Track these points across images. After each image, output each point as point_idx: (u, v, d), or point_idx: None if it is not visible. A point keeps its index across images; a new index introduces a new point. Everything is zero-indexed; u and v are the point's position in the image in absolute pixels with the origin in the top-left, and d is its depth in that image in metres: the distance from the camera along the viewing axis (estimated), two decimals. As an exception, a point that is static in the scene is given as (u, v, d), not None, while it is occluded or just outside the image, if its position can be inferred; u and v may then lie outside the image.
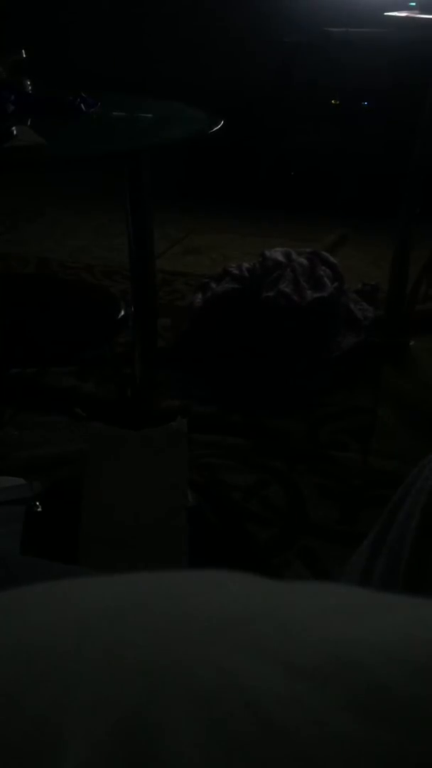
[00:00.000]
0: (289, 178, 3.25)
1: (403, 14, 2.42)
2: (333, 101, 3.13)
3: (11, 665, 0.19)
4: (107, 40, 3.35)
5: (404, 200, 1.88)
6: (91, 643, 0.19)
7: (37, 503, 1.18)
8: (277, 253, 2.00)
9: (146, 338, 1.42)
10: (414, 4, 2.62)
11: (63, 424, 1.60)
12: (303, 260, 1.98)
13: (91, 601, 0.22)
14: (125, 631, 0.19)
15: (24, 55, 1.42)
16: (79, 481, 1.18)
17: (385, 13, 2.40)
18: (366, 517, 1.33)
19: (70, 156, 1.20)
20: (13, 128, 1.14)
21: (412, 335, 2.02)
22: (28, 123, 1.24)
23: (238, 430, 1.60)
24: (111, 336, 1.40)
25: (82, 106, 1.34)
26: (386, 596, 0.23)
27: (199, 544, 1.14)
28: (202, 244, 2.80)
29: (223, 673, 0.17)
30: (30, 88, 1.38)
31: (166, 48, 3.29)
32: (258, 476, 1.45)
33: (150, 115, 1.35)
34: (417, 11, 2.65)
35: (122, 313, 1.36)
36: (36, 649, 0.19)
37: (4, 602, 0.22)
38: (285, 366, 1.80)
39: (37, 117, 1.30)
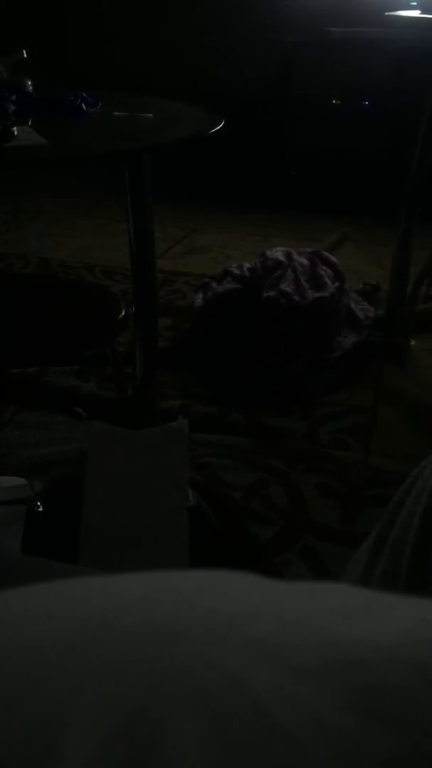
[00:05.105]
0: (290, 178, 3.26)
1: (403, 14, 2.41)
2: (333, 101, 3.13)
3: (13, 665, 0.19)
4: (108, 40, 3.35)
5: (405, 200, 1.88)
6: (92, 643, 0.19)
7: (38, 503, 1.18)
8: (278, 253, 2.00)
9: (147, 338, 1.42)
10: (414, 3, 2.62)
11: (63, 424, 1.60)
12: (304, 260, 1.98)
13: (92, 600, 0.22)
14: (126, 630, 0.19)
15: (24, 55, 1.42)
16: (80, 481, 1.18)
17: (386, 13, 2.40)
18: (366, 517, 1.33)
19: (70, 156, 1.20)
20: (14, 128, 1.13)
21: (412, 335, 2.02)
22: (29, 123, 1.24)
23: (238, 430, 1.60)
24: (111, 336, 1.40)
25: (83, 106, 1.34)
26: (387, 596, 0.23)
27: (200, 544, 1.14)
28: (203, 244, 2.81)
29: (224, 672, 0.17)
30: (30, 88, 1.38)
31: (166, 47, 3.29)
32: (258, 476, 1.45)
33: (150, 115, 1.35)
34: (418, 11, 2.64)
35: (123, 313, 1.36)
36: (37, 649, 0.19)
37: (5, 602, 0.22)
38: (286, 366, 1.80)
39: (37, 117, 1.30)
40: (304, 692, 0.17)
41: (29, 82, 1.37)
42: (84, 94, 1.36)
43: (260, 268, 1.98)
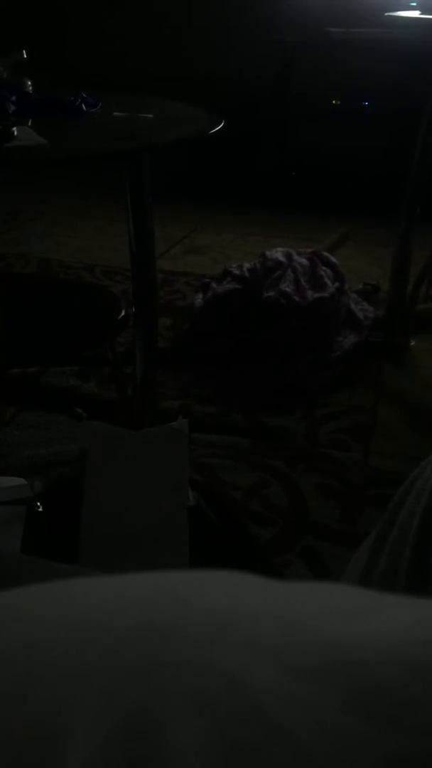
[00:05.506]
0: (290, 178, 3.26)
1: (403, 14, 2.41)
2: (333, 101, 3.13)
3: (13, 665, 0.19)
4: (108, 40, 3.35)
5: (405, 200, 1.88)
6: (92, 643, 0.19)
7: (38, 503, 1.18)
8: (277, 253, 2.00)
9: (147, 338, 1.42)
10: (414, 4, 2.62)
11: (63, 424, 1.60)
12: (303, 260, 1.99)
13: (92, 601, 0.22)
14: (126, 631, 0.19)
15: (24, 55, 1.42)
16: (80, 481, 1.18)
17: (386, 14, 2.40)
18: (366, 517, 1.33)
19: (70, 156, 1.20)
20: (14, 128, 1.13)
21: (412, 335, 2.02)
22: (29, 123, 1.24)
23: (238, 430, 1.60)
24: (111, 336, 1.40)
25: (83, 106, 1.34)
26: (387, 596, 0.23)
27: (200, 544, 1.13)
28: (203, 244, 2.81)
29: (224, 673, 0.17)
30: (30, 88, 1.38)
31: (166, 47, 3.29)
32: (258, 476, 1.45)
33: (150, 115, 1.35)
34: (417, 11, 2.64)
35: (123, 313, 1.36)
36: (37, 649, 0.19)
37: (5, 602, 0.22)
38: (286, 366, 1.80)
39: (37, 117, 1.30)
40: (304, 692, 0.17)
41: (29, 82, 1.37)
42: (84, 94, 1.36)
43: (260, 268, 1.98)
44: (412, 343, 2.01)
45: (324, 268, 1.98)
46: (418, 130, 1.81)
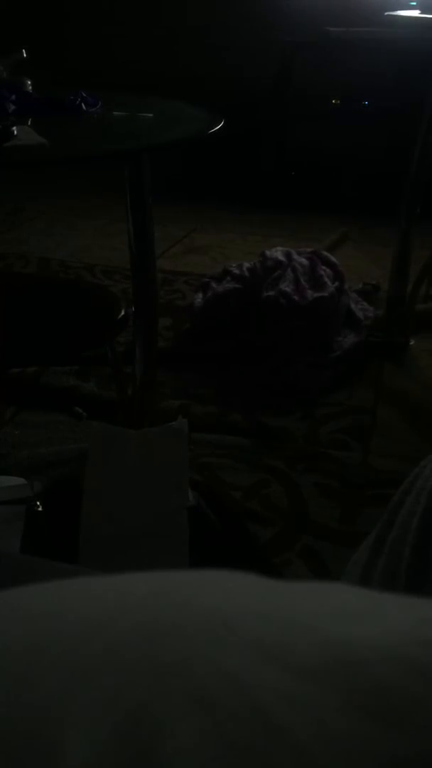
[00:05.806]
0: (290, 178, 3.26)
1: (403, 14, 2.41)
2: (333, 101, 3.13)
3: (12, 664, 0.19)
4: (108, 40, 3.35)
5: (405, 200, 1.88)
6: (92, 643, 0.19)
7: (38, 503, 1.18)
8: (277, 253, 2.00)
9: (147, 338, 1.42)
10: (414, 3, 2.62)
11: (63, 424, 1.60)
12: (303, 260, 1.99)
13: (92, 600, 0.22)
14: (125, 630, 0.19)
15: (24, 55, 1.42)
16: (80, 481, 1.18)
17: (386, 13, 2.40)
18: (366, 517, 1.34)
19: (70, 156, 1.20)
20: (14, 128, 1.13)
21: (412, 335, 2.02)
22: (29, 123, 1.24)
23: (238, 429, 1.60)
24: (111, 336, 1.40)
25: (83, 105, 1.34)
26: (387, 596, 0.23)
27: (200, 544, 1.13)
28: (203, 244, 2.81)
29: (223, 672, 0.17)
30: (30, 88, 1.38)
31: (166, 47, 3.29)
32: (258, 476, 1.45)
33: (150, 115, 1.35)
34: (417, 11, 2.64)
35: (123, 312, 1.36)
36: (37, 648, 0.19)
37: (5, 601, 0.22)
38: (285, 366, 1.80)
39: (37, 117, 1.30)
40: (304, 692, 0.17)
41: (29, 82, 1.37)
42: (84, 94, 1.36)
43: (260, 268, 1.98)
44: (412, 342, 2.01)
45: (324, 267, 1.98)
46: (418, 129, 1.81)
